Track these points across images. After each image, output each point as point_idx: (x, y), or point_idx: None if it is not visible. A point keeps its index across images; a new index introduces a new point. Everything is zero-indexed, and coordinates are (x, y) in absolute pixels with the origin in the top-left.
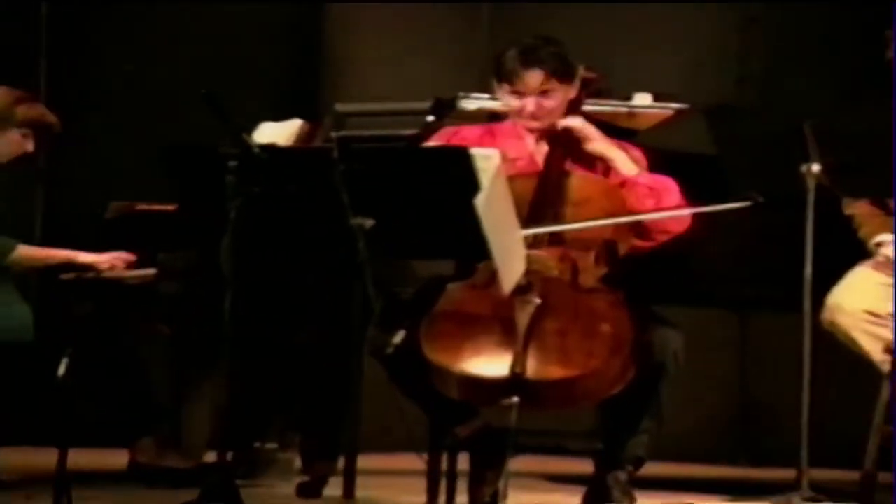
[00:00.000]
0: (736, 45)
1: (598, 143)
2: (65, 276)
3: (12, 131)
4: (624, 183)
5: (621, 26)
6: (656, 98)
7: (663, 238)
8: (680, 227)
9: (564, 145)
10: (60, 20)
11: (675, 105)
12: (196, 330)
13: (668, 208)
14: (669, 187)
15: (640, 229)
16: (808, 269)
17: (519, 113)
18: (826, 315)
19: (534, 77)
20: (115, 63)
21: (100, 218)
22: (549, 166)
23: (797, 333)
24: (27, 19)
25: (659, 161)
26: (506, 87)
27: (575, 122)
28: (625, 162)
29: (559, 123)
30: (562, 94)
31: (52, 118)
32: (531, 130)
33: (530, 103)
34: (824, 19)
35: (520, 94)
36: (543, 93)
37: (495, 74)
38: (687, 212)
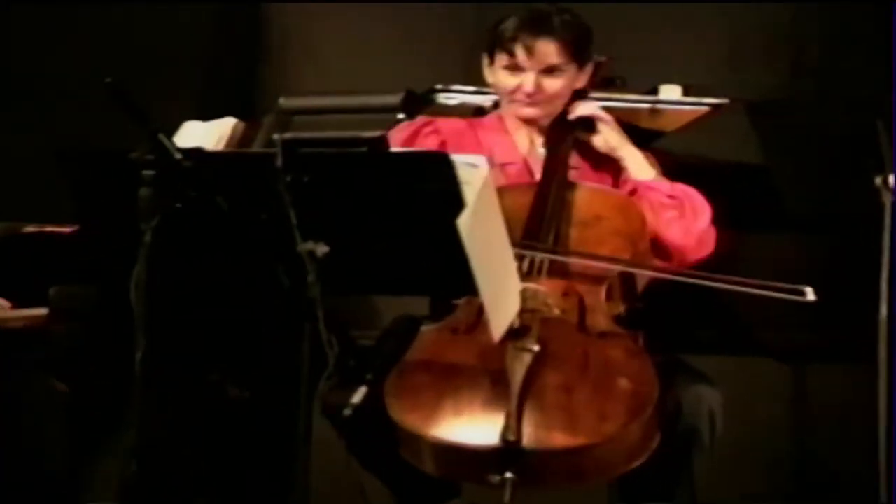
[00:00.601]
0: (789, 24)
1: (613, 136)
2: None
3: None
4: (636, 189)
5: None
6: (687, 91)
7: (688, 264)
8: (703, 253)
9: (570, 144)
10: None
11: (710, 100)
12: (99, 386)
13: (695, 242)
14: (694, 198)
15: (658, 247)
16: (884, 310)
17: (512, 94)
18: None
19: (543, 46)
20: (4, 50)
21: None
22: (549, 174)
23: (867, 387)
24: None
25: (691, 171)
26: (503, 59)
27: (591, 109)
28: (640, 164)
29: (573, 111)
30: (569, 78)
31: None
32: (523, 120)
33: (529, 80)
34: None
35: (518, 68)
36: (549, 70)
37: (489, 47)
38: (720, 285)
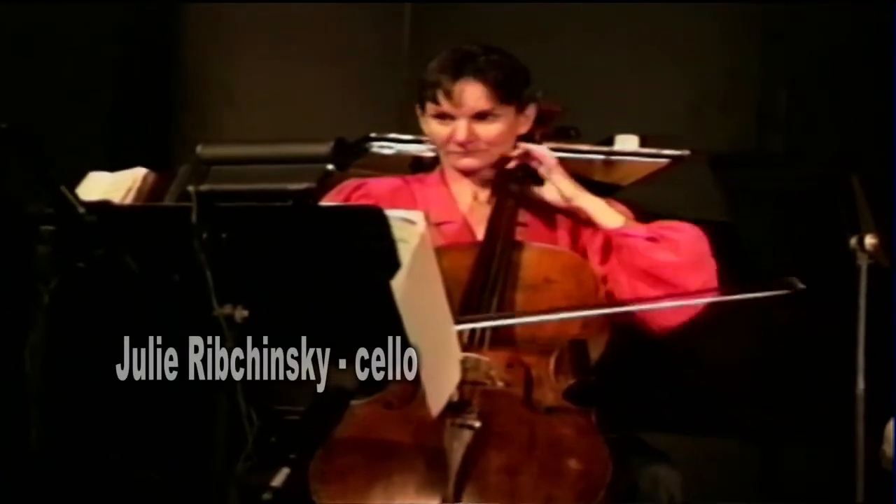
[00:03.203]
0: (755, 70)
1: (566, 185)
2: None
3: None
4: (609, 239)
5: (602, 39)
6: (644, 142)
7: (679, 319)
8: (708, 269)
9: (517, 197)
10: None
11: (670, 152)
12: None
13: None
14: (672, 225)
15: (654, 278)
16: (861, 384)
17: (445, 144)
18: (886, 450)
19: (469, 90)
20: None
21: None
22: (493, 233)
23: (843, 467)
24: None
25: None
26: (431, 107)
27: (537, 148)
28: (605, 211)
29: (515, 152)
30: (507, 123)
31: None
32: (463, 172)
33: (461, 128)
34: (866, 30)
35: (447, 117)
36: (480, 116)
37: (418, 95)
38: (693, 302)
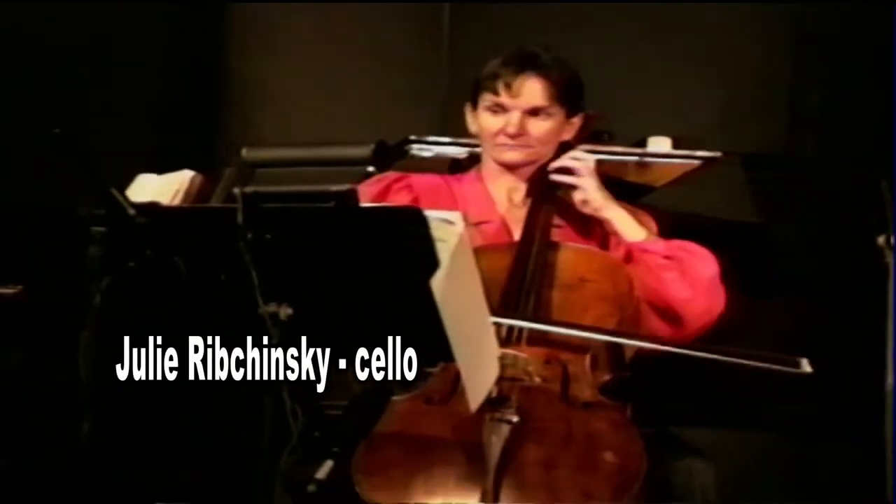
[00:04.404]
0: (787, 73)
1: (596, 196)
2: None
3: None
4: (630, 253)
5: (639, 46)
6: (677, 143)
7: (701, 323)
8: (716, 311)
9: (553, 201)
10: None
11: (703, 153)
12: (31, 467)
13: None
14: (693, 251)
15: (668, 311)
16: (891, 379)
17: (494, 137)
18: None
19: (529, 84)
20: None
21: None
22: (529, 233)
23: (874, 463)
24: None
25: (681, 229)
26: (486, 98)
27: (576, 162)
28: (629, 224)
29: (556, 163)
30: (557, 124)
31: None
32: (507, 166)
33: (513, 120)
34: None
35: (502, 109)
36: (534, 112)
37: (472, 89)
38: (706, 355)
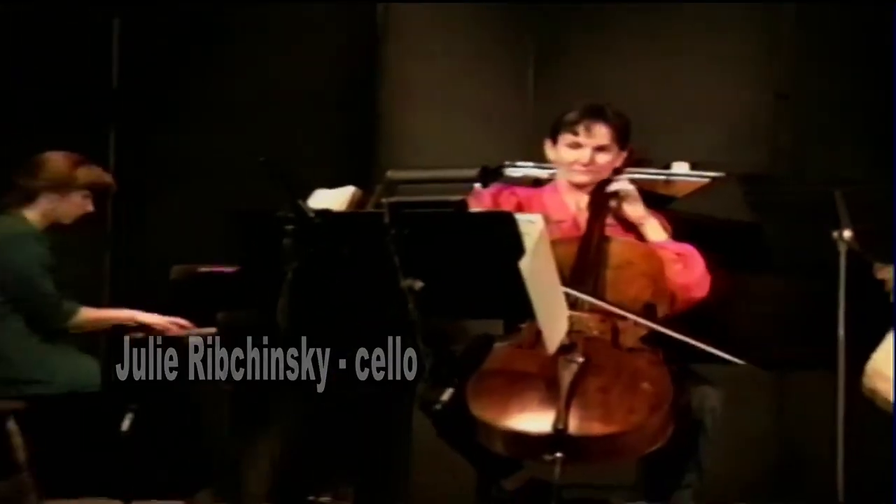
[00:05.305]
0: (769, 119)
1: (639, 208)
2: (131, 335)
3: (74, 194)
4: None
5: (663, 98)
6: (693, 167)
7: (686, 307)
8: (701, 294)
9: (606, 209)
10: (129, 93)
11: (711, 174)
12: (254, 386)
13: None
14: (694, 255)
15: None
16: (841, 331)
17: (571, 165)
18: (866, 383)
19: (599, 129)
20: (180, 134)
21: (164, 280)
22: (590, 231)
23: (830, 390)
24: (98, 92)
25: (696, 228)
26: (566, 138)
27: (624, 186)
28: (656, 228)
29: (610, 187)
30: (614, 156)
31: (108, 179)
32: (577, 185)
33: (586, 153)
34: (850, 94)
35: (578, 145)
36: (601, 148)
37: (553, 130)
38: (710, 349)
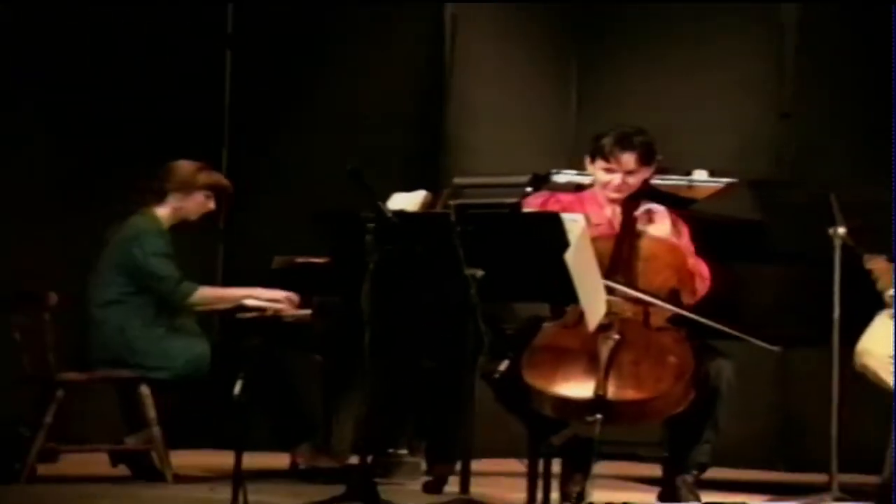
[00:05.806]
0: (774, 134)
1: (665, 227)
2: (240, 316)
3: (197, 193)
4: None
5: (687, 114)
6: (711, 174)
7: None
8: (704, 291)
9: (635, 219)
10: (238, 115)
11: (726, 179)
12: (342, 358)
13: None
14: (700, 259)
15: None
16: (836, 313)
17: (605, 186)
18: (857, 360)
19: (627, 159)
20: (280, 146)
21: (267, 269)
22: (623, 230)
23: (827, 363)
24: (214, 115)
25: (713, 225)
26: (600, 162)
27: (657, 208)
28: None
29: (645, 206)
30: (642, 176)
31: (226, 181)
32: (612, 200)
33: (617, 179)
34: (844, 114)
35: (611, 170)
36: (630, 172)
37: (591, 152)
38: (724, 328)
